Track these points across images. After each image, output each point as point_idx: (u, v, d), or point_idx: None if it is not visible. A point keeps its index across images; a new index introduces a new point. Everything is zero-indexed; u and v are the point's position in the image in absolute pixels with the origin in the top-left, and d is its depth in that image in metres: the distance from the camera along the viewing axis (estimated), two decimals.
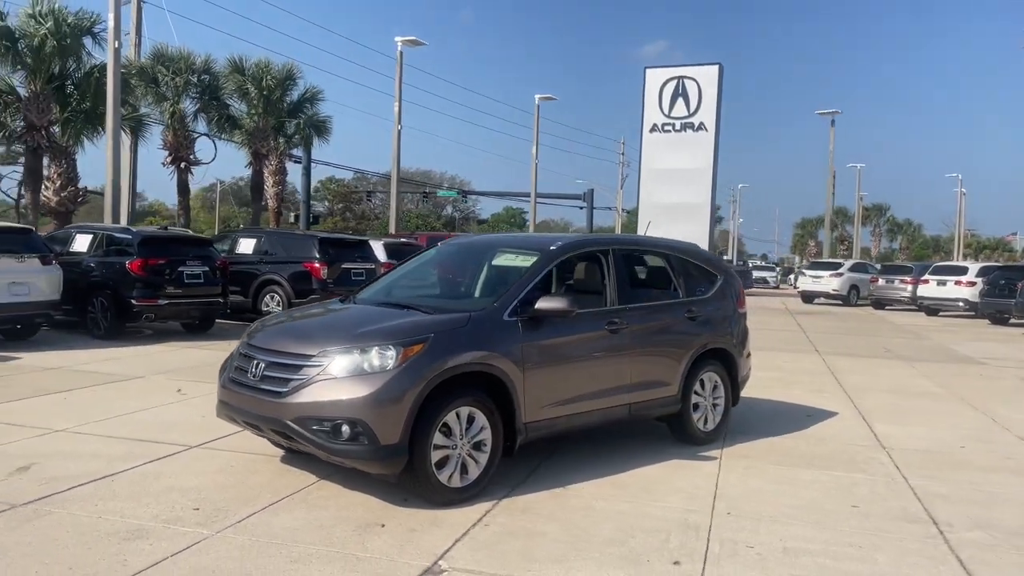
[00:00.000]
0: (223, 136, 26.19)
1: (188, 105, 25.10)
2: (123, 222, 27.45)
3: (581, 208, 60.45)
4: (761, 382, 10.65)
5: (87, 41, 20.69)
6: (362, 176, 75.99)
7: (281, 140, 28.53)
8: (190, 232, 16.59)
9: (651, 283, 7.02)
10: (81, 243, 13.81)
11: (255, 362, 5.31)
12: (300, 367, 5.06)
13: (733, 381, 7.29)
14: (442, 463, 5.09)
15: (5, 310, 11.49)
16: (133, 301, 12.80)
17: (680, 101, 38.39)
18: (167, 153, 24.84)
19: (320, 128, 27.97)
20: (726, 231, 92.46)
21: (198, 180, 31.95)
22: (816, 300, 33.76)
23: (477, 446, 5.29)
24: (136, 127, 23.66)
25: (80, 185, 22.37)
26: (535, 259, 6.03)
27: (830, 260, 38.54)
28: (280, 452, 6.15)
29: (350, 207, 75.37)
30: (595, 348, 6.06)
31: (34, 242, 12.29)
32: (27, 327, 12.38)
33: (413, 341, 5.04)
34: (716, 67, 38.23)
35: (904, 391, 10.57)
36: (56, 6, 19.71)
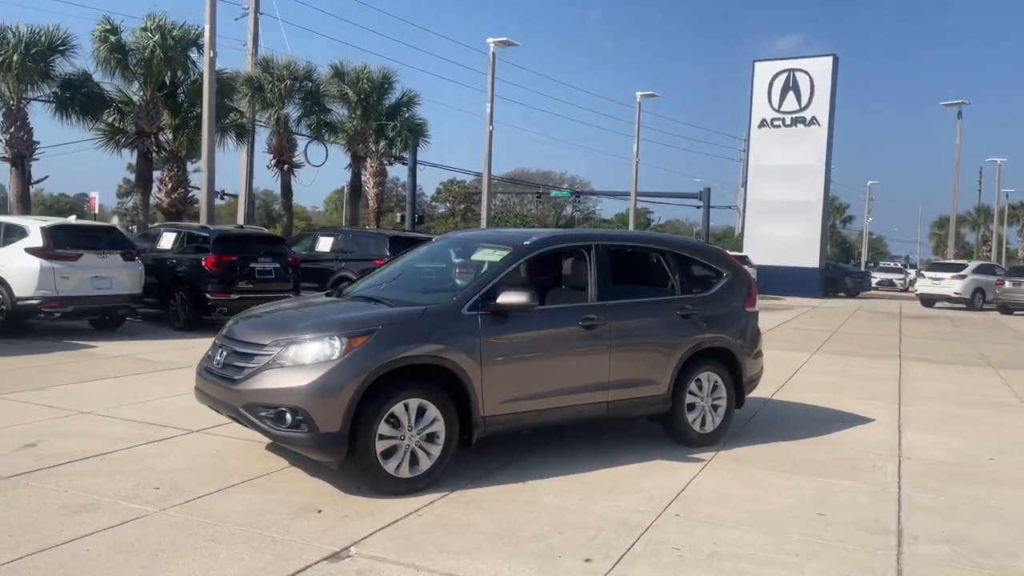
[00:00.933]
0: (326, 140, 27.22)
1: (291, 110, 26.24)
2: (240, 221, 29.07)
3: (698, 207, 59.58)
4: (810, 386, 10.25)
5: (193, 52, 21.94)
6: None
7: (382, 143, 29.41)
8: (264, 230, 17.39)
9: (643, 279, 6.87)
10: (167, 241, 14.75)
11: (220, 351, 5.59)
12: (253, 356, 5.28)
13: (737, 382, 7.04)
14: (389, 453, 5.18)
15: (88, 302, 12.44)
16: (207, 295, 13.57)
17: (791, 95, 37.04)
18: (271, 156, 26.08)
19: (416, 130, 28.66)
20: (859, 231, 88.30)
21: (309, 182, 33.01)
22: (937, 304, 31.76)
23: (430, 438, 5.35)
24: (241, 133, 24.95)
25: (190, 187, 23.79)
26: (506, 254, 6.05)
27: (952, 261, 36.24)
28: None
29: (471, 207, 77.16)
30: (567, 344, 6.01)
31: (117, 239, 13.23)
32: (112, 318, 13.34)
33: (358, 333, 5.17)
34: (830, 58, 36.67)
35: (967, 400, 9.87)
36: (163, 20, 21.06)
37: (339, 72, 26.89)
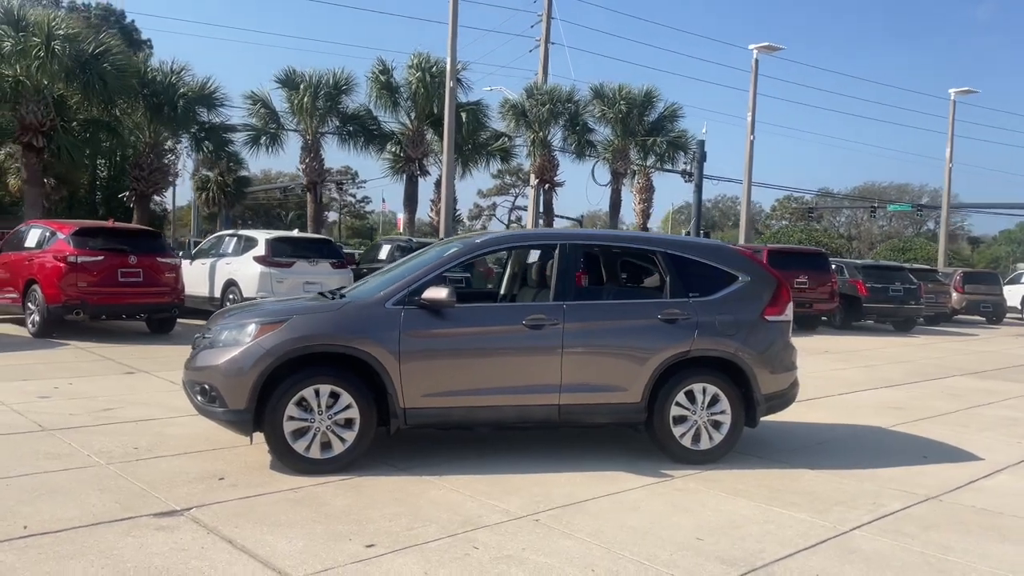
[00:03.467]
0: (587, 157, 28.12)
1: (554, 131, 27.51)
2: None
3: None
4: (974, 419, 8.71)
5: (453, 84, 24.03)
6: (827, 193, 74.65)
7: (651, 158, 29.59)
8: None
9: (628, 281, 6.47)
10: (384, 251, 16.47)
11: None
12: (202, 338, 5.99)
13: (747, 398, 6.32)
14: (300, 433, 5.56)
15: None
16: None
17: None
18: (534, 176, 27.53)
19: (679, 144, 28.37)
20: None
21: (596, 203, 34.28)
22: None
23: (348, 424, 5.64)
24: (505, 156, 26.70)
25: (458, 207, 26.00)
26: (453, 251, 6.14)
27: None
28: None
29: (810, 223, 74.02)
30: (506, 343, 5.93)
31: (329, 249, 15.06)
32: None
33: (272, 321, 5.64)
34: None
35: None
36: (425, 59, 23.39)
37: (599, 93, 27.63)
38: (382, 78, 23.52)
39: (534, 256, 6.73)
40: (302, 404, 5.56)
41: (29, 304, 12.52)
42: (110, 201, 27.08)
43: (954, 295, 25.92)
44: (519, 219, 62.22)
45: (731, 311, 6.35)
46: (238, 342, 5.62)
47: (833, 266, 21.61)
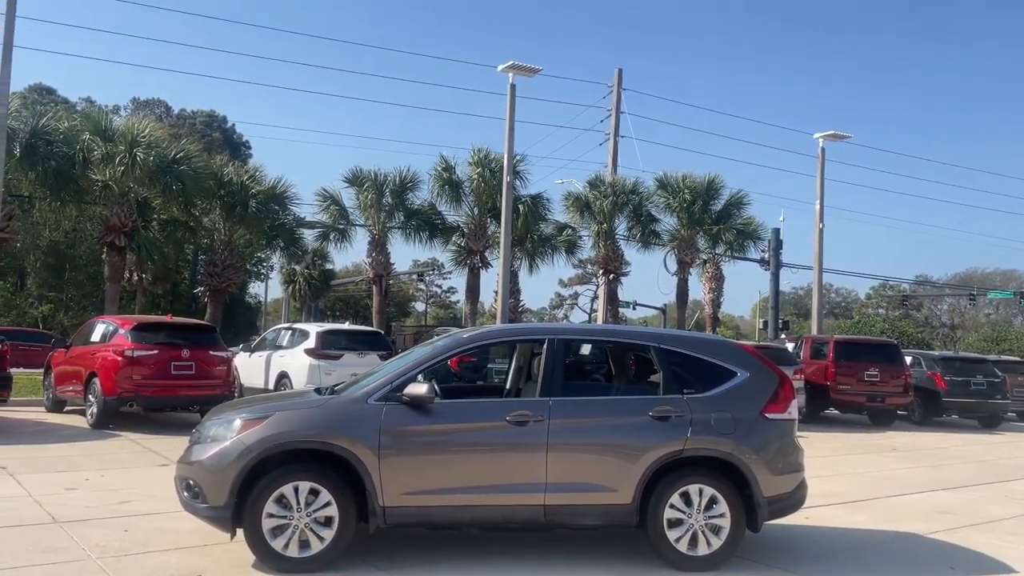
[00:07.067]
0: (653, 247, 28.08)
1: (618, 222, 27.64)
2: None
3: None
4: (1016, 526, 8.03)
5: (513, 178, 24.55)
6: (925, 280, 72.73)
7: (721, 247, 29.36)
8: None
9: (616, 376, 6.32)
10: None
11: None
12: (194, 433, 6.11)
13: (748, 501, 6.01)
14: (280, 531, 5.56)
15: None
16: None
17: None
18: (597, 266, 27.57)
19: (746, 233, 28.09)
20: None
21: (668, 292, 34.24)
22: None
23: (327, 521, 5.61)
24: (570, 248, 26.92)
25: (521, 299, 26.19)
26: (439, 346, 6.16)
27: None
28: None
29: (908, 313, 71.88)
30: (488, 440, 5.85)
31: (379, 342, 15.29)
32: None
33: (254, 418, 5.72)
34: None
35: None
36: (485, 154, 24.07)
37: (663, 183, 27.72)
38: (445, 175, 24.28)
39: (526, 351, 6.71)
40: (281, 501, 5.57)
41: (89, 396, 13.04)
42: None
43: None
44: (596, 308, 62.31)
45: (728, 408, 6.12)
46: (222, 438, 5.71)
47: (908, 358, 20.70)
